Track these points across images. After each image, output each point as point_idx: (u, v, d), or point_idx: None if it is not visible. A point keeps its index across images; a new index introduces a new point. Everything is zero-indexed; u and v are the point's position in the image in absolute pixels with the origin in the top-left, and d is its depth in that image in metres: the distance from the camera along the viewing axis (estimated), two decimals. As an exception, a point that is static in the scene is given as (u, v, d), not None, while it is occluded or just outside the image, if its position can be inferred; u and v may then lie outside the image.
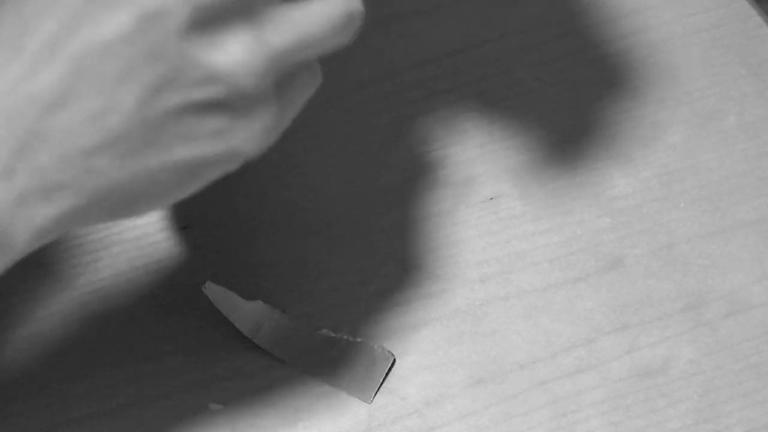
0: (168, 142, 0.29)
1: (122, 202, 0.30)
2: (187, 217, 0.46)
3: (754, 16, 0.52)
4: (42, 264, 0.45)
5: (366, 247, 0.46)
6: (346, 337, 0.43)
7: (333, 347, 0.43)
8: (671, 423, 0.42)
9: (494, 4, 0.52)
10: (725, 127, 0.49)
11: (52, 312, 0.44)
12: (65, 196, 0.29)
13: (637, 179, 0.48)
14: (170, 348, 0.43)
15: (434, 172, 0.48)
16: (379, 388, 0.42)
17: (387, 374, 0.43)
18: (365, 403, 0.42)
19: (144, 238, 0.46)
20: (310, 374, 0.43)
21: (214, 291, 0.43)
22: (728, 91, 0.50)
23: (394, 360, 0.43)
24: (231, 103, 0.29)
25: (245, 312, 0.43)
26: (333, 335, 0.43)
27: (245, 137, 0.30)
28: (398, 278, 0.45)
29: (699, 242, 0.46)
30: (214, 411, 0.42)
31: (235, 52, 0.28)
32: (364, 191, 0.47)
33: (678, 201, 0.47)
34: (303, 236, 0.46)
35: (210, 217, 0.46)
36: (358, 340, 0.43)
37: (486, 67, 0.50)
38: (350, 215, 0.47)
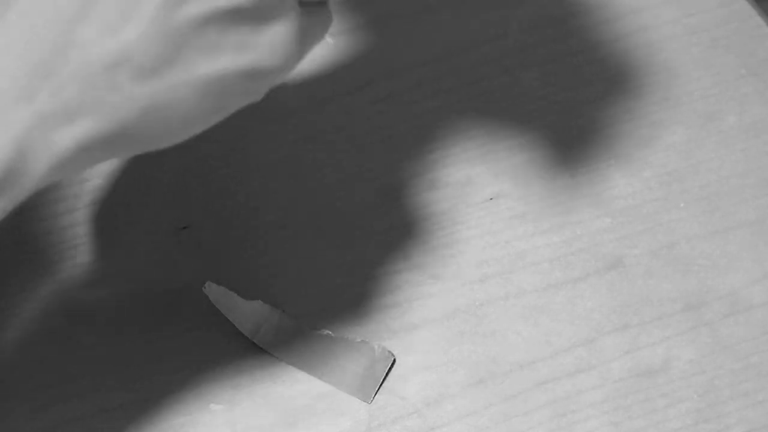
0: (190, 55, 0.28)
1: (145, 129, 0.29)
2: (187, 217, 0.46)
3: (754, 16, 0.52)
4: (41, 263, 0.45)
5: (366, 247, 0.46)
6: (346, 337, 0.43)
7: (333, 347, 0.43)
8: (671, 423, 0.42)
9: (494, 5, 0.52)
10: (725, 127, 0.49)
11: (52, 312, 0.44)
12: (88, 119, 0.28)
13: (637, 179, 0.48)
14: (170, 348, 0.43)
15: (434, 172, 0.48)
16: (379, 388, 0.42)
17: (387, 374, 0.43)
18: (365, 403, 0.42)
19: (144, 237, 0.46)
20: (310, 374, 0.43)
21: (214, 291, 0.43)
22: (728, 91, 0.50)
23: (394, 360, 0.43)
24: (253, 11, 0.29)
25: (245, 312, 0.43)
26: (333, 335, 0.43)
27: (268, 49, 0.30)
28: (398, 278, 0.45)
29: (699, 242, 0.46)
30: (214, 411, 0.42)
31: None
32: (364, 191, 0.47)
33: (678, 201, 0.47)
34: (303, 236, 0.46)
35: (210, 217, 0.46)
36: (358, 340, 0.43)
37: (486, 67, 0.50)
38: (350, 215, 0.47)
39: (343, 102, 0.49)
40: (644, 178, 0.48)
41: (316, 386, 0.43)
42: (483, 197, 0.47)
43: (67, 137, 0.28)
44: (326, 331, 0.43)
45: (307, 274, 0.45)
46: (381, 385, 0.42)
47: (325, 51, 0.51)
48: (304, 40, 0.31)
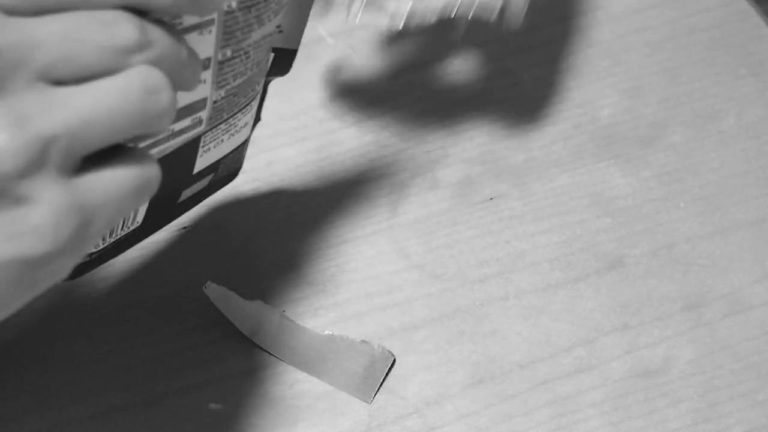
0: None
1: None
2: (187, 217, 0.46)
3: (754, 16, 0.52)
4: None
5: (366, 247, 0.46)
6: (346, 336, 0.43)
7: (333, 347, 0.43)
8: (671, 423, 0.42)
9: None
10: (725, 127, 0.49)
11: (51, 312, 0.44)
12: None
13: (637, 179, 0.48)
14: (170, 348, 0.43)
15: (434, 172, 0.48)
16: (379, 388, 0.42)
17: (387, 374, 0.43)
18: (365, 403, 0.42)
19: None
20: (310, 374, 0.43)
21: (214, 291, 0.43)
22: (728, 91, 0.50)
23: (394, 360, 0.43)
24: (5, 191, 0.25)
25: (245, 312, 0.43)
26: (333, 335, 0.43)
27: (33, 230, 0.25)
28: (398, 278, 0.45)
29: (699, 242, 0.46)
30: (214, 411, 0.42)
31: None
32: (364, 191, 0.47)
33: (678, 201, 0.47)
34: (302, 236, 0.46)
35: (210, 217, 0.46)
36: (359, 340, 0.43)
37: (486, 67, 0.50)
38: (350, 215, 0.47)
39: (343, 102, 0.49)
40: (644, 178, 0.48)
41: (316, 386, 0.43)
42: (483, 197, 0.47)
43: None
44: (327, 331, 0.43)
45: (306, 274, 0.45)
46: (381, 385, 0.42)
47: (326, 52, 0.51)
48: (86, 214, 0.26)
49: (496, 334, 0.44)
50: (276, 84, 0.41)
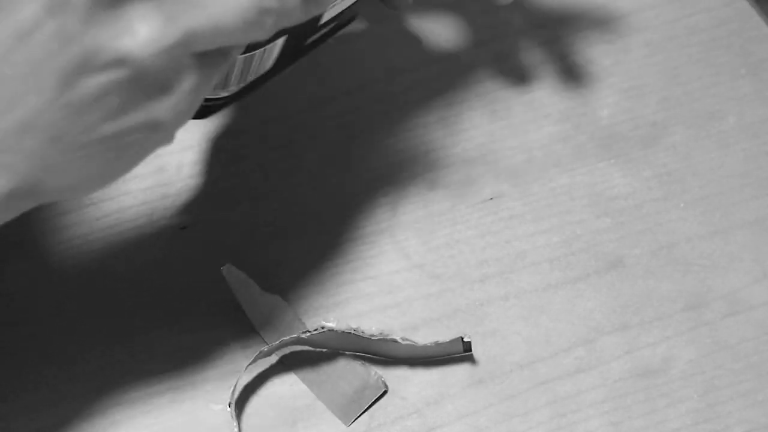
0: (92, 120, 0.30)
1: (62, 182, 0.31)
2: (187, 217, 0.46)
3: (754, 16, 0.52)
4: (41, 263, 0.45)
5: (366, 247, 0.46)
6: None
7: (331, 362, 0.43)
8: (671, 423, 0.42)
9: (493, 5, 0.52)
10: (725, 127, 0.49)
11: (51, 312, 0.44)
12: (3, 179, 0.30)
13: (637, 179, 0.48)
14: (170, 348, 0.43)
15: (434, 172, 0.48)
16: (360, 415, 0.42)
17: (373, 403, 0.42)
18: (365, 403, 0.42)
19: (143, 238, 0.46)
20: (302, 380, 0.43)
21: (233, 274, 0.43)
22: (728, 91, 0.50)
23: (385, 391, 0.43)
24: (154, 77, 0.30)
25: (260, 303, 0.43)
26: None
27: (166, 108, 0.30)
28: (398, 278, 0.45)
29: (699, 242, 0.46)
30: (214, 411, 0.42)
31: (141, 33, 0.29)
32: (364, 191, 0.47)
33: (678, 201, 0.47)
34: (302, 236, 0.46)
35: (210, 217, 0.46)
36: (360, 363, 0.43)
37: (486, 67, 0.50)
38: (350, 215, 0.47)
39: (344, 102, 0.49)
40: (644, 178, 0.48)
41: (316, 386, 0.43)
42: (483, 197, 0.47)
43: None
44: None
45: (306, 274, 0.45)
46: (364, 411, 0.42)
47: (326, 51, 0.51)
48: (204, 90, 0.32)
49: (496, 334, 0.44)
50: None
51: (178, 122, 0.31)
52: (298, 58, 0.44)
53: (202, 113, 0.42)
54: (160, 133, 0.31)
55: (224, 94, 0.40)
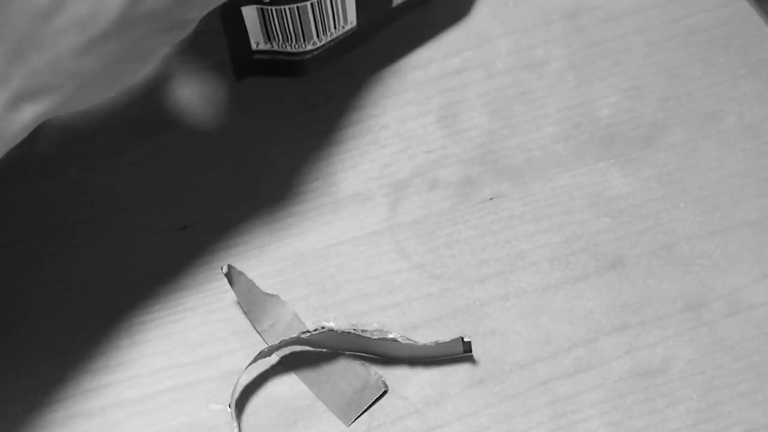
0: (149, 40, 0.32)
1: (96, 94, 0.33)
2: (187, 217, 0.46)
3: (754, 16, 0.52)
4: (41, 263, 0.45)
5: (366, 247, 0.46)
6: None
7: (332, 362, 0.43)
8: (671, 423, 0.42)
9: (494, 5, 0.52)
10: (725, 127, 0.49)
11: (51, 312, 0.44)
12: (52, 97, 0.32)
13: (637, 179, 0.48)
14: (169, 348, 0.43)
15: (434, 172, 0.48)
16: (361, 414, 0.42)
17: (374, 403, 0.42)
18: (365, 403, 0.42)
19: (144, 237, 0.46)
20: (302, 380, 0.43)
21: (233, 274, 0.43)
22: (728, 91, 0.50)
23: (386, 391, 0.43)
24: None
25: (261, 303, 0.43)
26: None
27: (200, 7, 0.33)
28: (398, 278, 0.45)
29: (699, 242, 0.46)
30: (214, 411, 0.42)
31: None
32: (364, 191, 0.47)
33: (678, 201, 0.47)
34: (303, 236, 0.46)
35: (210, 217, 0.46)
36: (360, 363, 0.43)
37: (486, 68, 0.50)
38: (350, 215, 0.47)
39: (344, 101, 0.49)
40: (644, 178, 0.48)
41: (316, 386, 0.43)
42: (483, 197, 0.47)
43: (34, 111, 0.32)
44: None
45: (306, 273, 0.45)
46: (364, 411, 0.42)
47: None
48: None
49: (496, 334, 0.44)
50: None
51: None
52: (389, 23, 0.46)
53: (293, 69, 0.45)
54: (187, 29, 0.33)
55: (309, 47, 0.42)
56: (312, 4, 0.42)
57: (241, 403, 0.42)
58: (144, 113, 0.49)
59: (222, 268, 0.43)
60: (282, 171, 0.48)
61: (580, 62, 0.51)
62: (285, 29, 0.43)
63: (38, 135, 0.48)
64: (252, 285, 0.43)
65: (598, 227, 0.47)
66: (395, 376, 0.43)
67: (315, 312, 0.44)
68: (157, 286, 0.45)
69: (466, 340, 0.42)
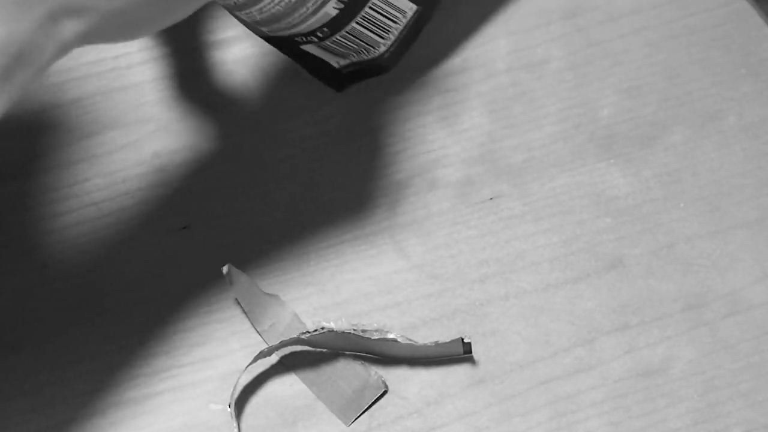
0: None
1: (130, 24, 0.34)
2: (187, 217, 0.46)
3: (754, 16, 0.52)
4: (40, 263, 0.45)
5: (366, 247, 0.46)
6: (346, 353, 0.43)
7: (332, 362, 0.43)
8: (671, 423, 0.42)
9: (494, 5, 0.52)
10: (725, 127, 0.49)
11: (51, 312, 0.44)
12: (89, 16, 0.33)
13: (637, 179, 0.48)
14: (169, 347, 0.43)
15: (434, 172, 0.48)
16: (361, 414, 0.42)
17: (374, 403, 0.42)
18: (365, 403, 0.42)
19: (144, 237, 0.46)
20: (302, 381, 0.43)
21: (233, 274, 0.43)
22: (728, 91, 0.50)
23: (386, 391, 0.43)
24: None
25: (261, 303, 0.43)
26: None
27: None
28: (398, 278, 0.45)
29: (699, 242, 0.46)
30: (214, 411, 0.42)
31: None
32: (364, 191, 0.47)
33: (678, 201, 0.47)
34: (303, 236, 0.46)
35: (210, 216, 0.46)
36: (360, 363, 0.43)
37: (486, 68, 0.50)
38: (350, 215, 0.47)
39: (343, 102, 0.49)
40: (644, 178, 0.48)
41: (316, 386, 0.43)
42: (483, 197, 0.47)
43: (70, 30, 0.33)
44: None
45: (306, 273, 0.45)
46: (364, 411, 0.42)
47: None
48: None
49: (496, 334, 0.44)
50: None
51: None
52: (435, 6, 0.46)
53: (380, 69, 0.46)
54: None
55: (382, 49, 0.44)
56: (357, 22, 0.42)
57: (241, 403, 0.42)
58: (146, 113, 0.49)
59: (222, 269, 0.43)
60: (282, 171, 0.48)
61: (580, 62, 0.51)
62: (350, 48, 0.44)
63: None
64: (252, 285, 0.43)
65: (598, 227, 0.47)
66: (395, 376, 0.43)
67: (315, 312, 0.44)
68: (157, 286, 0.45)
69: (466, 341, 0.42)
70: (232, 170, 0.48)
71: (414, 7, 0.44)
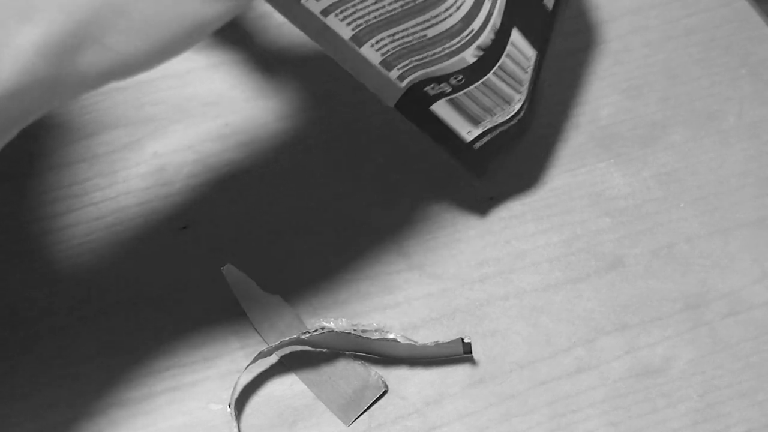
0: None
1: (106, 30, 0.30)
2: (187, 217, 0.46)
3: (754, 16, 0.52)
4: (40, 263, 0.45)
5: (366, 248, 0.46)
6: (346, 353, 0.43)
7: (332, 362, 0.43)
8: (671, 423, 0.42)
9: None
10: (725, 127, 0.49)
11: (51, 312, 0.44)
12: (45, 18, 0.29)
13: (637, 179, 0.48)
14: (169, 347, 0.43)
15: (434, 172, 0.48)
16: (361, 414, 0.42)
17: (374, 403, 0.42)
18: (365, 403, 0.42)
19: (143, 238, 0.46)
20: (302, 381, 0.43)
21: (233, 274, 0.43)
22: (728, 91, 0.50)
23: (386, 391, 0.43)
24: None
25: (261, 303, 0.43)
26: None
27: None
28: (398, 278, 0.45)
29: (699, 242, 0.46)
30: (214, 411, 0.42)
31: None
32: (364, 191, 0.47)
33: (678, 201, 0.47)
34: (303, 236, 0.46)
35: (210, 217, 0.46)
36: (360, 363, 0.43)
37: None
38: (351, 215, 0.47)
39: (344, 101, 0.49)
40: (644, 178, 0.48)
41: (316, 386, 0.43)
42: (483, 197, 0.47)
43: (25, 38, 0.29)
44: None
45: (306, 273, 0.45)
46: (364, 411, 0.42)
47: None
48: None
49: (496, 334, 0.44)
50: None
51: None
52: (552, 28, 0.43)
53: (515, 133, 0.44)
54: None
55: (517, 106, 0.41)
56: (495, 73, 0.39)
57: (240, 403, 0.42)
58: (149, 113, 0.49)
59: (222, 269, 0.43)
60: (281, 172, 0.48)
61: (580, 62, 0.51)
62: (484, 106, 0.41)
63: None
64: (252, 285, 0.43)
65: (598, 227, 0.47)
66: (395, 376, 0.43)
67: (315, 312, 0.44)
68: (157, 286, 0.45)
69: (466, 341, 0.42)
70: (232, 170, 0.48)
71: (534, 52, 0.41)
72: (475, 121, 0.41)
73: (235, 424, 0.41)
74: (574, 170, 0.48)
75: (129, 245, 0.46)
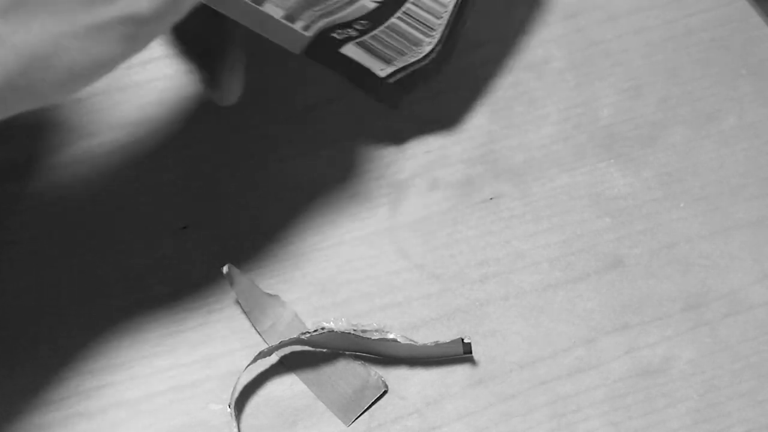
0: (70, 6, 0.31)
1: (32, 80, 0.31)
2: (187, 217, 0.46)
3: (754, 16, 0.52)
4: (40, 264, 0.45)
5: (366, 247, 0.46)
6: (346, 353, 0.43)
7: (332, 362, 0.43)
8: (671, 423, 0.42)
9: (495, 5, 0.52)
10: (725, 127, 0.49)
11: (50, 312, 0.44)
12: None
13: (637, 179, 0.48)
14: (170, 347, 0.43)
15: (434, 172, 0.48)
16: (361, 414, 0.42)
17: (374, 403, 0.42)
18: (365, 403, 0.42)
19: (144, 237, 0.46)
20: (302, 380, 0.43)
21: (233, 274, 0.43)
22: (728, 91, 0.50)
23: (386, 391, 0.43)
24: None
25: (261, 303, 0.43)
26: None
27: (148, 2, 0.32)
28: (398, 278, 0.45)
29: (699, 242, 0.46)
30: (214, 411, 0.42)
31: None
32: (364, 191, 0.47)
33: (678, 201, 0.47)
34: (303, 236, 0.46)
35: (210, 217, 0.46)
36: (360, 363, 0.43)
37: (486, 68, 0.50)
38: (351, 215, 0.47)
39: (342, 101, 0.49)
40: (644, 178, 0.48)
41: (316, 386, 0.43)
42: (483, 197, 0.47)
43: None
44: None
45: (307, 274, 0.45)
46: (364, 411, 0.42)
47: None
48: None
49: (496, 334, 0.44)
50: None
51: (152, 20, 0.32)
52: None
53: (431, 71, 0.45)
54: (135, 29, 0.32)
55: (428, 48, 0.42)
56: (399, 17, 0.41)
57: (241, 403, 0.42)
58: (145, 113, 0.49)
59: (222, 269, 0.43)
60: (282, 172, 0.48)
61: (580, 62, 0.51)
62: (393, 48, 0.43)
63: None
64: (252, 285, 0.43)
65: (598, 227, 0.47)
66: (395, 376, 0.43)
67: (315, 312, 0.44)
68: (157, 286, 0.45)
69: (466, 341, 0.42)
70: (232, 170, 0.48)
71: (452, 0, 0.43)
72: (386, 61, 0.43)
73: (235, 424, 0.41)
74: (574, 170, 0.48)
75: (129, 245, 0.46)
